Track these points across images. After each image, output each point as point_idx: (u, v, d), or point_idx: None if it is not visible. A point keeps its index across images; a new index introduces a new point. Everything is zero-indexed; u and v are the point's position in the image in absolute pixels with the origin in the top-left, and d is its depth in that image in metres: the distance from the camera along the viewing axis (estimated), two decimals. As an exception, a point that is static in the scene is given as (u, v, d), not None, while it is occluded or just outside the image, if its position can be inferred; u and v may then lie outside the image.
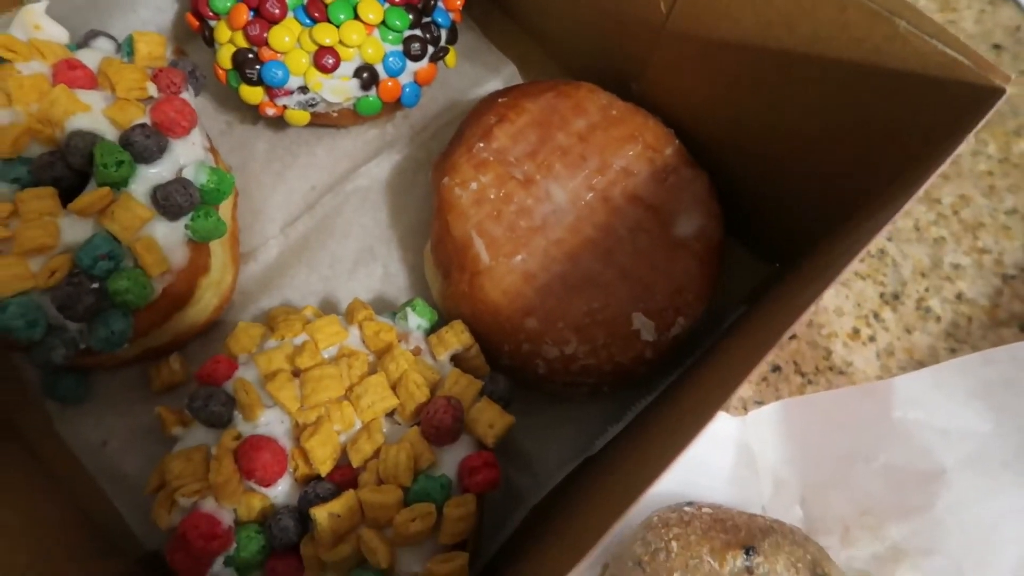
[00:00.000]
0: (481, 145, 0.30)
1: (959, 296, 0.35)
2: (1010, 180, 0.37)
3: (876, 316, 0.35)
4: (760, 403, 0.33)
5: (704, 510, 0.29)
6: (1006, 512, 0.27)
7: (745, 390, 0.34)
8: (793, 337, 0.35)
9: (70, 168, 0.29)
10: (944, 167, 0.21)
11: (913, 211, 0.36)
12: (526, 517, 0.30)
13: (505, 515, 0.30)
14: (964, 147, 0.36)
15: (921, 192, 0.20)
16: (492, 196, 0.30)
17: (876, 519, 0.30)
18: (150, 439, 0.31)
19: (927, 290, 0.35)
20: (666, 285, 0.29)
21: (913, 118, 0.24)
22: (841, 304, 0.35)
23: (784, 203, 0.31)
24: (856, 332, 0.35)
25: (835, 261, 0.22)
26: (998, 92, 0.20)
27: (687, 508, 0.29)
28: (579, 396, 0.31)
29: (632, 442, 0.27)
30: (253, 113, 0.35)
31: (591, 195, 0.30)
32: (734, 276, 0.32)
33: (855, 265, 0.26)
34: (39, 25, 0.30)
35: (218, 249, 0.31)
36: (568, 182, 0.30)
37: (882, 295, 0.35)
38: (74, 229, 0.28)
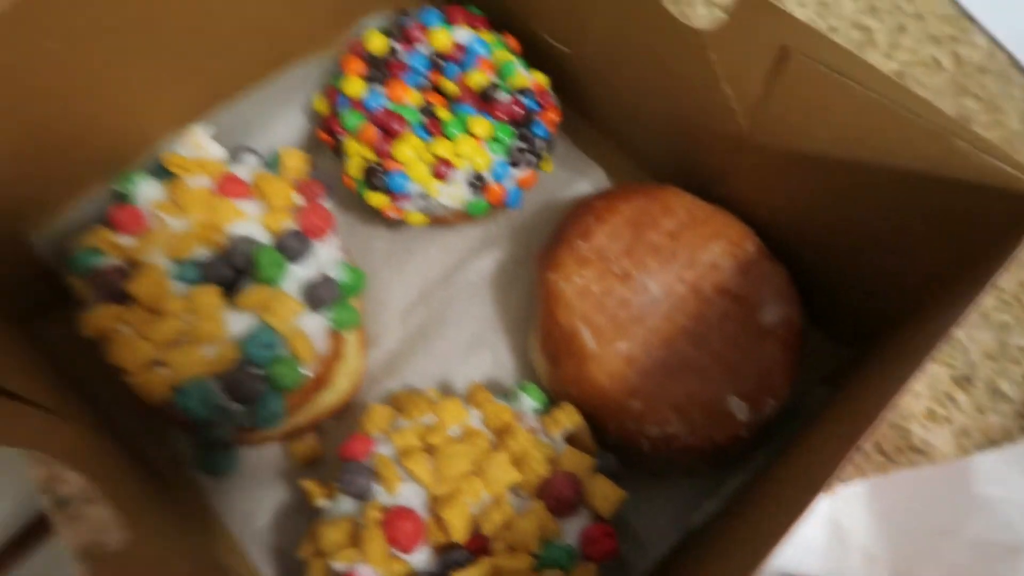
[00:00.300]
0: (582, 243, 0.34)
1: (1026, 376, 0.38)
2: (1067, 264, 0.40)
3: (949, 398, 0.38)
4: (845, 481, 0.35)
5: (801, 579, 0.31)
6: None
7: (827, 465, 0.36)
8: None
9: (232, 268, 0.33)
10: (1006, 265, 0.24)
11: (975, 296, 0.39)
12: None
13: (613, 583, 0.33)
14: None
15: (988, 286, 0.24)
16: (594, 289, 0.33)
17: (962, 588, 0.32)
18: (291, 510, 0.35)
19: (997, 373, 0.38)
20: (755, 368, 0.32)
21: (973, 220, 0.27)
22: (915, 386, 0.38)
23: (857, 292, 0.34)
24: (932, 413, 0.37)
25: (916, 349, 0.25)
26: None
27: (783, 576, 0.31)
28: (677, 473, 0.34)
29: (732, 519, 0.30)
30: (372, 215, 0.40)
31: (682, 287, 0.33)
32: (813, 359, 0.35)
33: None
34: (201, 144, 0.36)
35: (351, 338, 0.36)
36: (661, 276, 0.34)
37: (953, 377, 0.38)
38: (237, 321, 0.32)
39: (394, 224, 0.40)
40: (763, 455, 0.33)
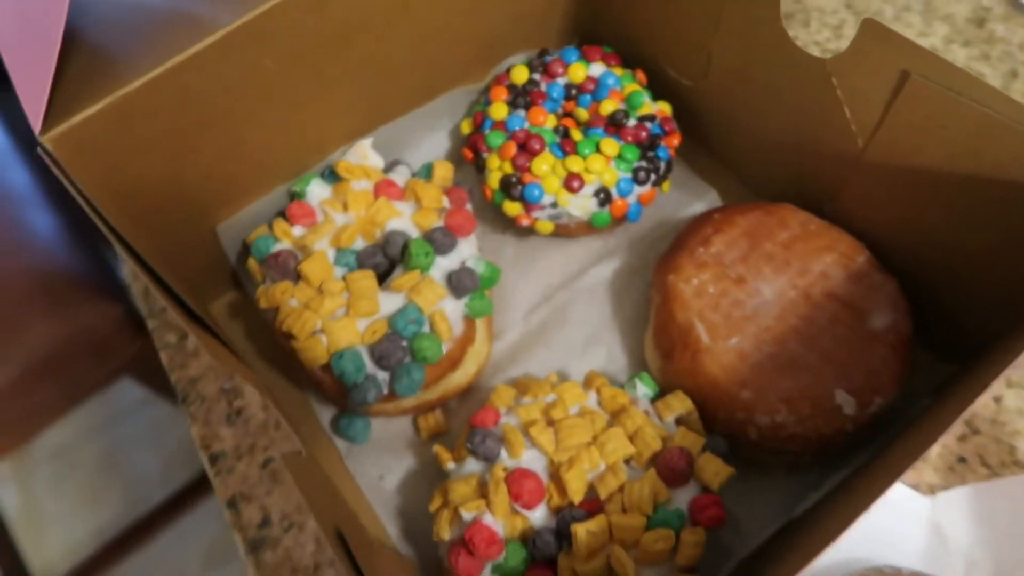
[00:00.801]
0: (701, 250, 0.37)
1: None
2: None
3: (1058, 418, 0.38)
4: (946, 488, 0.36)
5: (904, 572, 0.32)
6: None
7: (933, 478, 0.37)
8: (978, 432, 0.38)
9: (386, 257, 0.38)
10: None
11: (1089, 326, 0.40)
12: (733, 571, 0.35)
13: (715, 569, 0.34)
14: None
15: None
16: (711, 290, 0.36)
17: (1073, 600, 0.32)
18: (417, 477, 0.38)
19: (1108, 397, 0.38)
20: (864, 368, 0.34)
21: None
22: (1022, 405, 0.38)
23: (964, 307, 0.35)
24: (1039, 432, 0.38)
25: (1007, 359, 0.26)
26: None
27: (887, 570, 0.32)
28: (782, 465, 0.36)
29: (821, 512, 0.32)
30: (503, 226, 0.44)
31: (794, 292, 0.36)
32: (920, 375, 0.36)
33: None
34: (366, 155, 0.41)
35: (481, 326, 0.39)
36: (774, 282, 0.36)
37: (1063, 399, 0.38)
38: (389, 302, 0.36)
39: (522, 234, 0.44)
40: (866, 454, 0.35)
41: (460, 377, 0.39)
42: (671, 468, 0.32)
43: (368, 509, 0.38)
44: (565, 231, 0.42)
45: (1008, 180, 0.30)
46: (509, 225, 0.44)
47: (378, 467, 0.39)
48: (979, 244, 0.33)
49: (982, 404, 0.39)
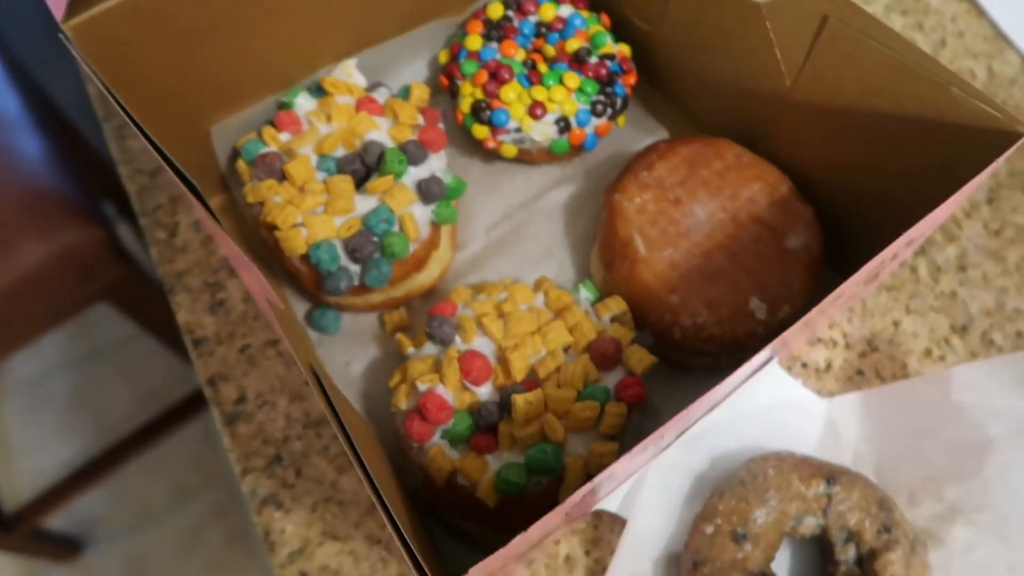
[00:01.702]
0: (645, 174, 0.42)
1: (1018, 334, 0.43)
2: (1069, 250, 0.45)
3: (946, 341, 0.43)
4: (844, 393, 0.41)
5: (796, 455, 0.37)
6: (1043, 475, 0.35)
7: (834, 387, 0.43)
8: (876, 350, 0.43)
9: (363, 164, 0.42)
10: (983, 180, 0.30)
11: (981, 264, 0.45)
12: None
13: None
14: (1029, 220, 0.45)
15: (962, 200, 0.30)
16: (650, 209, 0.41)
17: (937, 484, 0.37)
18: (380, 364, 0.43)
19: (991, 326, 0.44)
20: (777, 280, 0.39)
21: (963, 155, 0.33)
22: (918, 330, 0.44)
23: (867, 231, 0.40)
24: (928, 352, 0.43)
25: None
26: (1021, 134, 0.30)
27: (783, 453, 0.37)
28: (704, 368, 0.41)
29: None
30: (472, 148, 0.48)
31: (723, 214, 0.41)
32: (825, 289, 0.41)
33: (891, 263, 0.35)
34: (351, 74, 0.45)
35: (446, 234, 0.44)
36: (707, 204, 0.41)
37: (952, 326, 0.44)
38: (364, 203, 0.40)
39: (489, 158, 0.48)
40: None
41: (424, 278, 0.43)
42: (602, 353, 0.37)
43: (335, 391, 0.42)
44: (527, 156, 0.47)
45: (906, 115, 0.35)
46: (477, 149, 0.48)
47: (346, 355, 0.43)
48: (882, 175, 0.38)
49: (882, 327, 0.44)
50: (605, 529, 0.39)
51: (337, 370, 0.42)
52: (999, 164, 0.30)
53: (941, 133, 0.34)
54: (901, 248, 0.33)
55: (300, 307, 0.45)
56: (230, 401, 0.43)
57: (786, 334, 0.28)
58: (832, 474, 0.36)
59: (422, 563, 0.23)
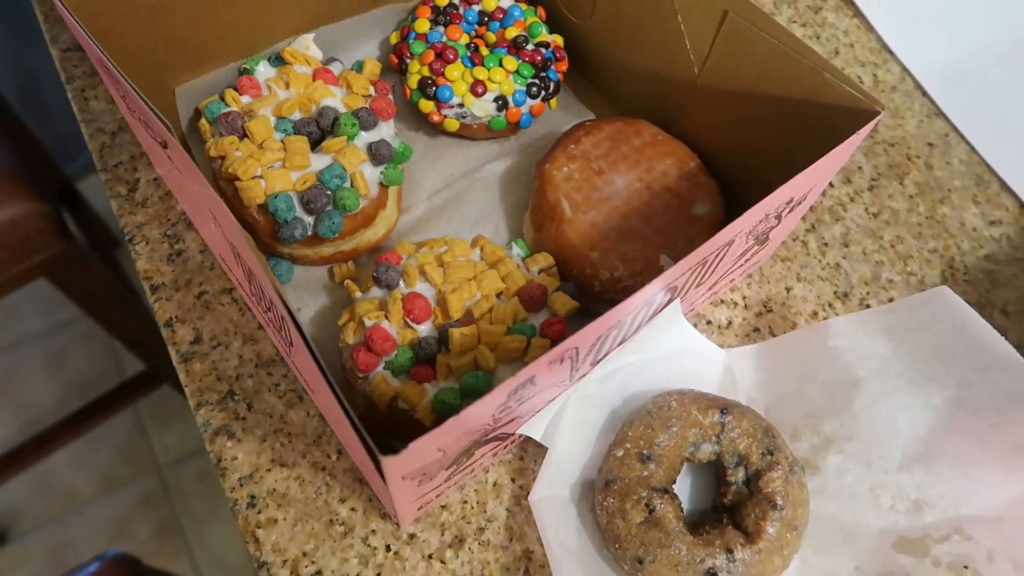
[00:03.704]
0: (573, 146, 0.47)
1: (890, 300, 0.50)
2: (933, 230, 0.53)
3: (830, 306, 0.50)
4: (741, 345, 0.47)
5: (695, 391, 0.43)
6: (900, 406, 0.41)
7: (733, 341, 0.48)
8: (771, 311, 0.49)
9: (318, 127, 0.46)
10: (852, 150, 0.36)
11: (862, 241, 0.52)
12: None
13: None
14: (902, 203, 0.52)
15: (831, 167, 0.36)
16: (576, 177, 0.46)
17: (815, 420, 0.43)
18: (328, 310, 0.46)
19: (868, 294, 0.50)
20: (684, 240, 0.44)
21: (835, 132, 0.39)
22: (806, 295, 0.50)
23: (763, 196, 0.46)
24: (815, 314, 0.49)
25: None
26: (878, 112, 0.36)
27: (685, 389, 0.43)
28: (619, 317, 0.46)
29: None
30: (418, 123, 0.53)
31: (639, 184, 0.46)
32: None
33: (779, 227, 0.41)
34: (308, 47, 0.49)
35: (392, 195, 0.48)
36: (626, 175, 0.46)
37: (835, 293, 0.50)
38: (319, 161, 0.44)
39: (433, 133, 0.53)
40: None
41: (372, 235, 0.47)
42: (530, 296, 0.41)
43: (286, 333, 0.45)
44: (468, 131, 0.51)
45: (791, 98, 0.41)
46: (423, 124, 0.53)
47: (297, 302, 0.47)
48: (773, 151, 0.44)
49: (776, 292, 0.50)
50: (530, 460, 0.44)
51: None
52: (861, 136, 0.36)
53: (817, 113, 0.40)
54: (782, 207, 0.39)
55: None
56: (186, 342, 0.46)
57: (681, 264, 0.34)
58: (726, 406, 0.41)
59: (364, 434, 0.27)
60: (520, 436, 0.42)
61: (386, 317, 0.41)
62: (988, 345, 0.38)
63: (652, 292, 0.34)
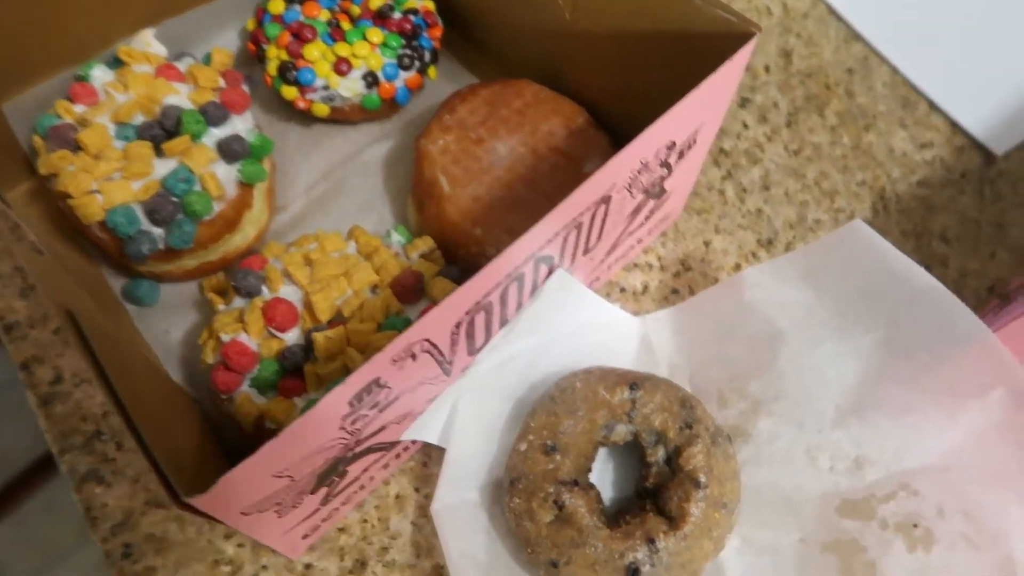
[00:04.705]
0: (447, 116, 0.43)
1: (819, 241, 0.46)
2: (860, 161, 0.48)
3: (754, 255, 0.46)
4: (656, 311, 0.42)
5: (604, 368, 0.38)
6: (828, 356, 0.37)
7: (651, 306, 0.44)
8: (689, 270, 0.45)
9: (163, 130, 0.42)
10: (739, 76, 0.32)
11: (783, 182, 0.48)
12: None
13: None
14: (823, 136, 0.48)
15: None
16: (453, 149, 0.42)
17: (741, 382, 0.39)
18: (200, 329, 0.42)
19: (794, 238, 0.46)
20: (574, 204, 0.40)
21: (715, 61, 0.35)
22: (727, 247, 0.46)
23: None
24: (738, 266, 0.45)
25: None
26: (753, 33, 0.32)
27: (591, 368, 0.39)
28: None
29: None
30: (288, 113, 0.48)
31: (524, 149, 0.42)
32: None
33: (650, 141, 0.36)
34: (149, 43, 0.44)
35: (258, 195, 0.44)
36: (508, 140, 0.42)
37: (759, 240, 0.46)
38: (164, 166, 0.40)
39: (306, 122, 0.48)
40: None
41: (240, 240, 0.43)
42: (403, 285, 0.37)
43: (155, 359, 0.41)
44: (342, 115, 0.47)
45: (665, 31, 0.37)
46: (294, 113, 0.48)
47: (165, 324, 0.42)
48: (656, 93, 0.39)
49: (694, 248, 0.46)
50: (435, 466, 0.40)
51: (156, 339, 0.42)
52: (739, 64, 0.32)
53: (694, 45, 0.35)
54: (664, 152, 0.34)
55: (118, 283, 0.44)
56: (45, 383, 0.41)
57: (538, 230, 0.29)
58: (635, 380, 0.37)
59: (162, 471, 0.23)
60: (417, 441, 0.38)
61: (244, 329, 0.36)
62: (909, 278, 0.34)
63: (510, 266, 0.30)
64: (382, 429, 0.32)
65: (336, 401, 0.26)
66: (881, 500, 0.35)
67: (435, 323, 0.28)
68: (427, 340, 0.29)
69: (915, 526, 0.35)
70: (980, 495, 0.34)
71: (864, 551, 0.35)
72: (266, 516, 0.29)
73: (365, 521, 0.38)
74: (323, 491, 0.32)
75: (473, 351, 0.35)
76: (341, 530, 0.38)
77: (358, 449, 0.32)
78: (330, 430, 0.28)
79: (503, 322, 0.35)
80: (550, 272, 0.35)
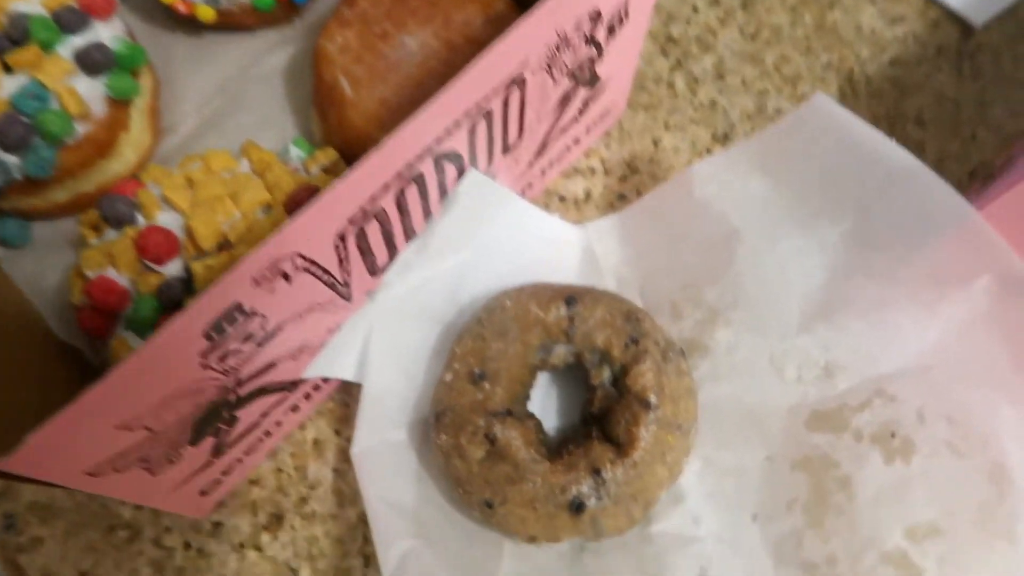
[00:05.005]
0: (347, 11, 0.37)
1: (779, 131, 0.41)
2: (824, 42, 0.43)
3: (708, 151, 0.41)
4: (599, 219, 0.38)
5: (537, 284, 0.34)
6: (790, 254, 0.32)
7: (595, 215, 0.39)
8: (637, 172, 0.40)
9: (11, 42, 0.36)
10: None
11: (739, 69, 0.42)
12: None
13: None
14: (783, 17, 0.42)
15: None
16: (354, 46, 0.36)
17: (696, 289, 0.34)
18: (81, 270, 0.37)
19: (753, 129, 0.41)
20: (495, 98, 0.34)
21: None
22: (678, 145, 0.41)
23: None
24: (691, 165, 0.40)
25: None
26: None
27: (524, 284, 0.34)
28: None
29: None
30: (174, 23, 0.42)
31: (437, 42, 0.36)
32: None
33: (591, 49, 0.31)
34: (-9, -56, 0.38)
35: (137, 114, 0.38)
36: (418, 34, 0.36)
37: (714, 135, 0.41)
38: (12, 82, 0.34)
39: (195, 31, 0.42)
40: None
41: (118, 167, 0.37)
42: (298, 203, 0.32)
43: (29, 304, 0.36)
44: (232, 19, 0.41)
45: None
46: (180, 23, 0.42)
47: (38, 265, 0.37)
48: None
49: (641, 148, 0.41)
50: (356, 405, 0.35)
51: (28, 281, 0.36)
52: None
53: None
54: (587, 24, 0.29)
55: (-13, 227, 0.38)
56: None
57: (422, 116, 0.24)
58: (573, 294, 0.32)
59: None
60: (331, 380, 0.34)
61: (112, 264, 0.31)
62: (880, 158, 0.30)
63: (399, 161, 0.25)
64: (271, 366, 0.27)
65: (183, 334, 0.21)
66: (855, 410, 0.31)
67: (304, 234, 0.23)
68: (299, 255, 0.24)
69: (892, 435, 0.31)
70: (965, 396, 0.29)
71: (837, 466, 0.31)
72: (131, 475, 0.25)
73: (280, 471, 0.34)
74: (209, 441, 0.28)
75: (376, 270, 0.30)
76: (253, 482, 0.34)
77: (244, 391, 0.27)
78: (187, 369, 0.23)
79: (409, 235, 0.30)
80: (460, 174, 0.30)
